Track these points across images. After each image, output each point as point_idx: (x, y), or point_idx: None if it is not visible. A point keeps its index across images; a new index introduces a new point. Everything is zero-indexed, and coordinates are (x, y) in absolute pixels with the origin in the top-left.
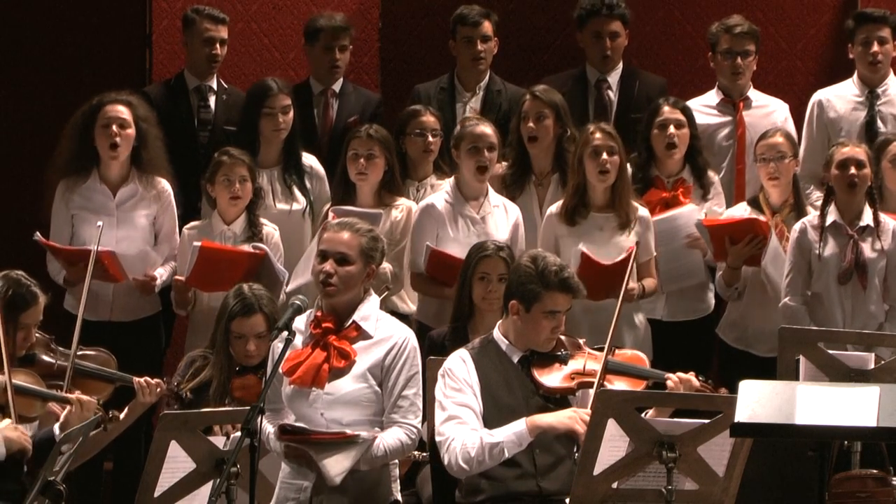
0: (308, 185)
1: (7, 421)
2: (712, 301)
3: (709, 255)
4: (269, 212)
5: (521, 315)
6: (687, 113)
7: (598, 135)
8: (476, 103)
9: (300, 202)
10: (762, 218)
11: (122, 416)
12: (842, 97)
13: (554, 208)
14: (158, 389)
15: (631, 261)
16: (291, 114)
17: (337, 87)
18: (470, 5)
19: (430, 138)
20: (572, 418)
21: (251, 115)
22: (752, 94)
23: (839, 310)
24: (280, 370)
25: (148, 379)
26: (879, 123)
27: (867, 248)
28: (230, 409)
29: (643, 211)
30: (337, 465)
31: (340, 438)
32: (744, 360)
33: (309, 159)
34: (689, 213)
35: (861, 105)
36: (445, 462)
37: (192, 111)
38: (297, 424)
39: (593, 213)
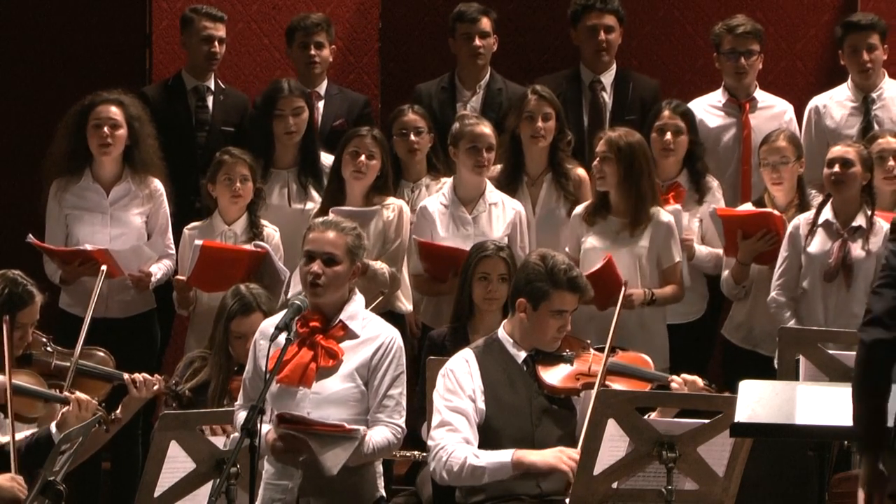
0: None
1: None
2: (704, 305)
3: (695, 259)
4: (283, 211)
5: (528, 313)
6: (688, 118)
7: (602, 142)
8: (476, 102)
9: (315, 202)
10: (776, 212)
11: (119, 414)
12: (838, 103)
13: (580, 209)
14: (156, 387)
15: (603, 265)
16: (305, 115)
17: (322, 89)
18: (469, 3)
19: (413, 137)
20: (557, 458)
21: (264, 115)
22: (758, 94)
23: (822, 307)
24: (266, 369)
25: (145, 375)
26: (876, 128)
27: (856, 249)
28: (230, 409)
29: (665, 216)
30: (335, 458)
31: (341, 431)
32: (751, 360)
33: (329, 159)
34: (672, 213)
35: (857, 110)
36: (431, 468)
37: (189, 111)
38: (296, 414)
39: (611, 217)
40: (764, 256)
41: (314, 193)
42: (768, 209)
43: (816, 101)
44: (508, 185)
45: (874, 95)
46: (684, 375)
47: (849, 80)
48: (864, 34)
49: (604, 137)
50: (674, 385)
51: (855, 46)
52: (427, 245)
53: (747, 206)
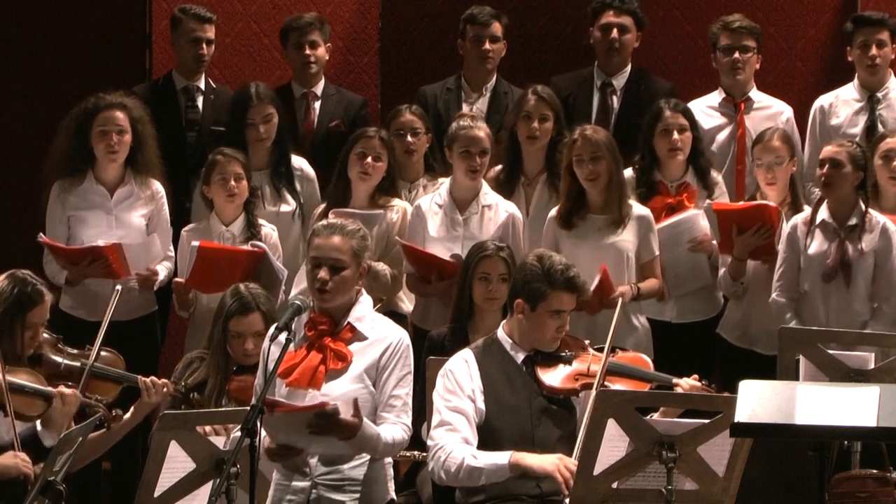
0: (298, 187)
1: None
2: (721, 301)
3: (713, 256)
4: (258, 214)
5: (527, 314)
6: (688, 115)
7: (579, 143)
8: (482, 104)
9: (290, 204)
10: (772, 203)
11: (127, 416)
12: (843, 101)
13: (554, 211)
14: (165, 389)
15: (600, 280)
16: (275, 120)
17: (318, 89)
18: (481, 6)
19: (410, 138)
20: (555, 465)
21: (237, 121)
22: (755, 94)
23: (822, 307)
24: (270, 371)
25: (154, 379)
26: (880, 127)
27: (854, 247)
28: (230, 409)
29: (641, 210)
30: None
31: (321, 408)
32: (747, 359)
33: (299, 161)
34: (692, 217)
35: (862, 109)
36: (430, 468)
37: (179, 111)
38: (279, 399)
39: (591, 215)
40: (759, 251)
41: (287, 196)
42: (764, 201)
43: (822, 100)
44: (507, 184)
45: (879, 95)
46: (686, 379)
47: (855, 80)
48: (874, 29)
49: (582, 139)
50: (679, 390)
51: (865, 41)
52: (409, 248)
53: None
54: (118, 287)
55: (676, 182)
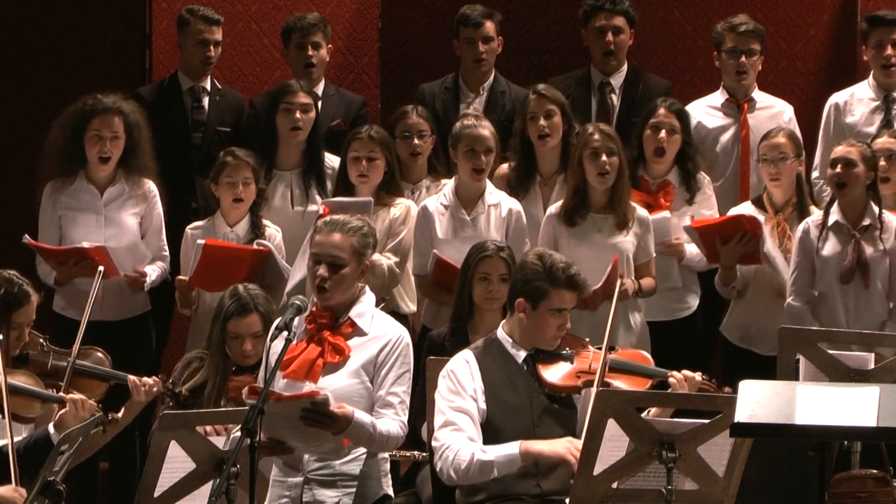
0: (330, 186)
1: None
2: (694, 303)
3: (686, 259)
4: (285, 213)
5: (528, 313)
6: (682, 117)
7: (596, 136)
8: (480, 104)
9: (318, 204)
10: (748, 213)
11: (119, 415)
12: (858, 100)
13: (553, 209)
14: (155, 389)
15: (610, 272)
16: (312, 114)
17: (319, 89)
18: (473, 5)
19: (416, 140)
20: (566, 448)
21: (270, 113)
22: (757, 94)
23: (842, 309)
24: (268, 370)
25: (144, 378)
26: (895, 127)
27: (870, 248)
28: (229, 409)
29: (641, 211)
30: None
31: (312, 396)
32: (748, 359)
33: (334, 161)
34: (661, 220)
35: (878, 109)
36: (437, 468)
37: (185, 112)
38: (272, 390)
39: (592, 215)
40: (747, 257)
41: (317, 196)
42: (738, 213)
43: (836, 97)
44: (520, 184)
45: (895, 94)
46: (685, 372)
47: (870, 78)
48: (889, 29)
49: (599, 133)
50: (672, 380)
51: (880, 41)
52: (444, 263)
53: (745, 205)
54: (100, 268)
55: (658, 179)
